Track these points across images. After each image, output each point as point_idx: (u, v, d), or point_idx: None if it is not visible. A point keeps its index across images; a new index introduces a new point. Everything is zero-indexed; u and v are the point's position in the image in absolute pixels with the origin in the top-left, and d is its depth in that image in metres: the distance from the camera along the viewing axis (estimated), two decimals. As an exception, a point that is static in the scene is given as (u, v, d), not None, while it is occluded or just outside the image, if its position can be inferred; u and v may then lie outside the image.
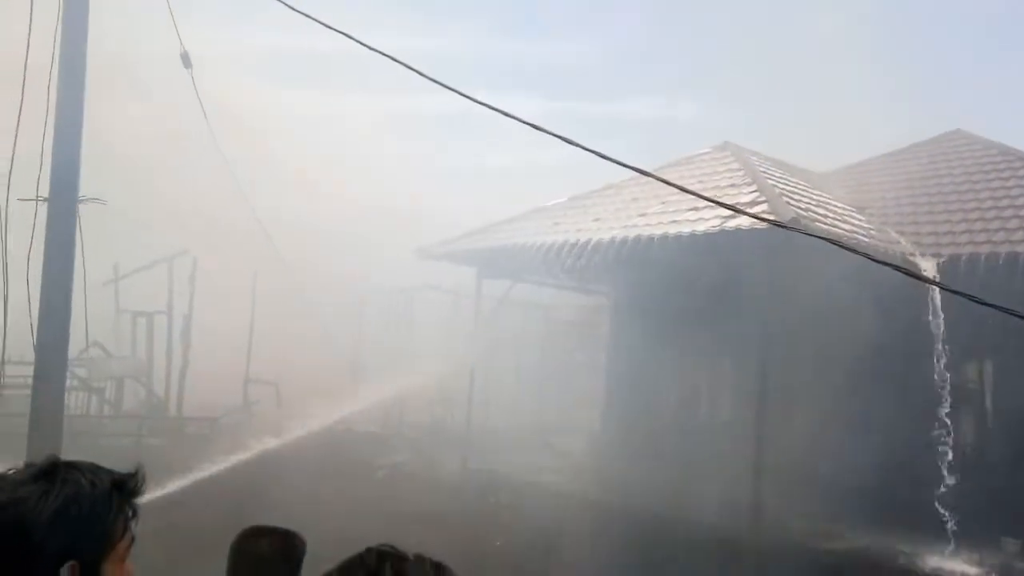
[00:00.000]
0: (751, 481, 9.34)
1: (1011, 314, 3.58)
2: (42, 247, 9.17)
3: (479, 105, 6.34)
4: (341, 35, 7.12)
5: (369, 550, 1.18)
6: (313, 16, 7.41)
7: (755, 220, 8.68)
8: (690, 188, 10.25)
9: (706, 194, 10.06)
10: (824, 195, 11.19)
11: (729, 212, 9.25)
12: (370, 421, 17.32)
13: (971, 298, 4.12)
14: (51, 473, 1.50)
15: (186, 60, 10.85)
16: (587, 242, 10.67)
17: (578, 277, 14.19)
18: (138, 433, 15.55)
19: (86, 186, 9.80)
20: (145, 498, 1.58)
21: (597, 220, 11.34)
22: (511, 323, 17.45)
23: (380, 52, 6.89)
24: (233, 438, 14.34)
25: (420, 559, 1.15)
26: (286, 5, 7.95)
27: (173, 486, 11.56)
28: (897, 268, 5.15)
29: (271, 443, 14.36)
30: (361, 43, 7.05)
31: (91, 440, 14.39)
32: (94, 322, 17.26)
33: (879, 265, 8.67)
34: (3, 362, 9.26)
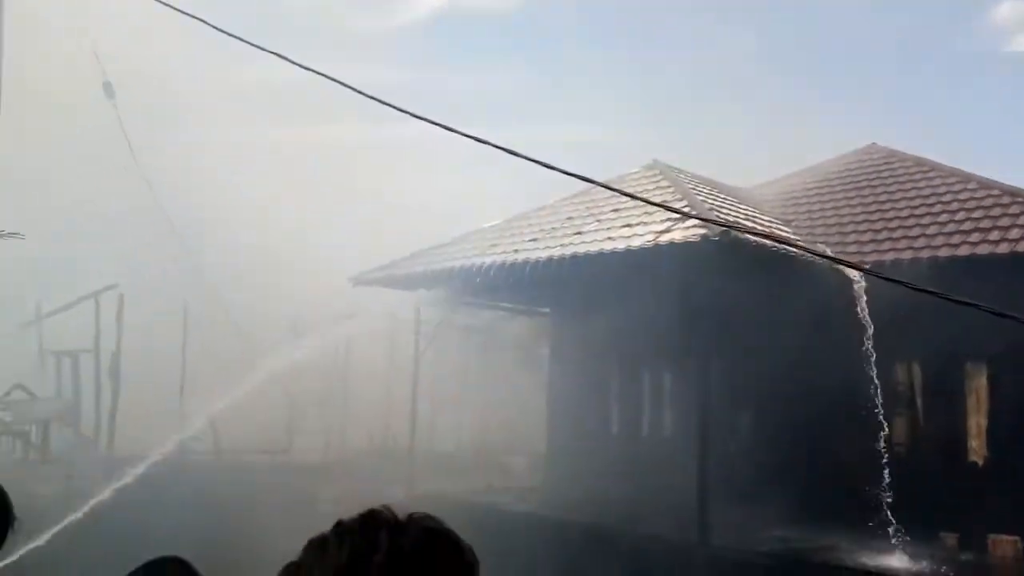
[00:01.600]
0: (696, 492, 9.45)
1: (970, 306, 3.70)
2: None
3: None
4: (280, 59, 7.03)
5: (376, 508, 1.09)
6: (247, 39, 7.31)
7: (687, 234, 8.89)
8: (623, 206, 10.45)
9: (637, 211, 10.28)
10: (752, 209, 11.51)
11: (663, 227, 9.44)
12: (311, 451, 16.98)
13: (934, 294, 4.24)
14: None
15: (109, 91, 10.62)
16: (524, 262, 10.72)
17: (517, 298, 14.26)
18: (68, 476, 14.90)
19: (4, 221, 9.45)
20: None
21: (534, 240, 11.41)
22: (451, 347, 17.38)
23: (321, 74, 6.82)
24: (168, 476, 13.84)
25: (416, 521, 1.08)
26: (217, 29, 7.83)
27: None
28: (833, 259, 5.30)
29: (206, 480, 13.94)
30: (301, 65, 6.97)
31: (18, 486, 13.76)
32: (17, 364, 16.64)
33: (809, 275, 8.96)
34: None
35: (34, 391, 17.70)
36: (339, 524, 1.08)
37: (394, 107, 6.64)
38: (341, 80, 6.77)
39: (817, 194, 12.96)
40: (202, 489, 13.55)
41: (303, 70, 6.74)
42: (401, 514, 1.08)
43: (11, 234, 10.42)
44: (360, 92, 6.75)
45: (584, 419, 13.88)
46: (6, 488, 2.30)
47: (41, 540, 9.73)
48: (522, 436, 17.68)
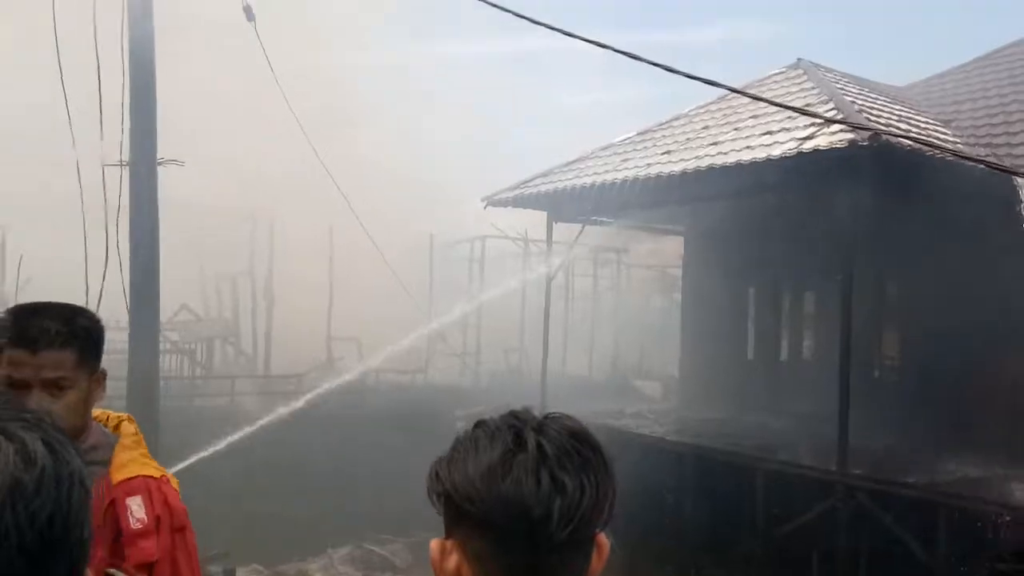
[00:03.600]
0: (837, 418, 9.01)
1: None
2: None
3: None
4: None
5: (520, 410, 1.16)
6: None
7: (833, 139, 8.32)
8: (763, 111, 9.89)
9: (779, 117, 9.69)
10: (907, 110, 10.58)
11: (806, 133, 8.86)
12: (447, 372, 17.57)
13: None
14: None
15: (248, 13, 10.97)
16: (657, 176, 10.39)
17: (650, 215, 13.91)
18: (230, 392, 16.11)
19: (164, 149, 10.07)
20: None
21: (667, 152, 11.02)
22: (584, 267, 17.32)
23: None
24: (317, 393, 14.74)
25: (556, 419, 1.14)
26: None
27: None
28: (993, 165, 4.80)
29: (350, 398, 14.70)
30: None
31: (186, 402, 15.05)
32: (181, 286, 18.06)
33: (969, 182, 8.19)
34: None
35: (198, 312, 19.18)
36: (483, 423, 1.14)
37: (519, 15, 6.51)
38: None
39: (982, 89, 11.67)
40: (351, 406, 14.36)
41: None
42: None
43: (171, 161, 11.02)
44: (488, 2, 6.65)
45: (719, 342, 13.53)
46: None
47: (214, 449, 10.58)
48: (655, 359, 17.52)
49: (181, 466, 9.10)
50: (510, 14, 6.49)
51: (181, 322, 18.64)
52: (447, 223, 17.32)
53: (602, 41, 6.20)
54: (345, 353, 18.63)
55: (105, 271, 8.88)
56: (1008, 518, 7.70)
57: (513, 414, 1.14)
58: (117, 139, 9.60)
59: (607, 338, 17.58)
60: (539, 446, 1.07)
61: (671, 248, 14.35)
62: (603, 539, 1.12)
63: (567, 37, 6.52)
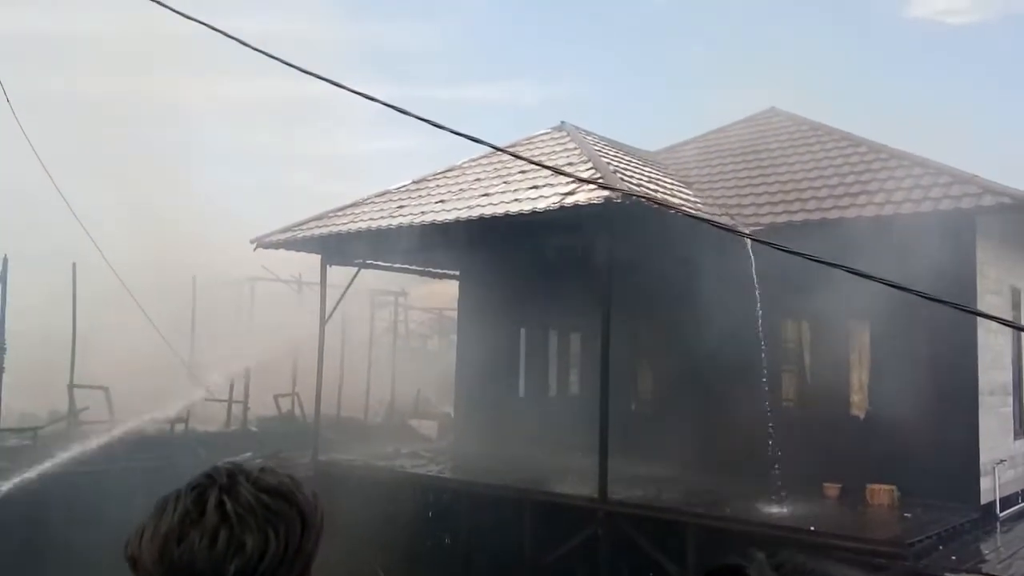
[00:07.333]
0: (597, 452, 9.66)
1: (821, 263, 3.89)
2: None
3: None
4: (181, 17, 6.68)
5: (216, 468, 1.11)
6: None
7: (591, 196, 9.01)
8: (530, 167, 10.47)
9: (544, 173, 10.33)
10: (656, 172, 11.72)
11: (568, 189, 9.52)
12: (212, 420, 16.52)
13: (799, 255, 4.48)
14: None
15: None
16: (432, 224, 10.64)
17: (426, 260, 14.16)
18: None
19: None
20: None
21: (441, 202, 11.33)
22: (361, 310, 17.15)
23: (223, 32, 6.50)
24: (59, 448, 13.27)
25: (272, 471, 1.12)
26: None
27: None
28: (713, 223, 5.46)
29: (99, 452, 13.39)
30: (200, 22, 6.64)
31: None
32: None
33: (708, 237, 9.21)
34: None
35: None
36: (188, 483, 1.09)
37: (294, 66, 6.43)
38: (236, 36, 6.51)
39: (718, 156, 13.31)
40: (97, 461, 13.05)
41: (191, 21, 6.44)
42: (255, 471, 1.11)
43: None
44: (257, 49, 6.51)
45: (492, 380, 14.00)
46: None
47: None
48: (432, 400, 17.69)
49: None
50: (278, 61, 6.42)
51: None
52: (214, 265, 16.40)
53: (376, 95, 6.29)
54: (91, 403, 16.90)
55: None
56: (745, 530, 8.64)
57: (208, 473, 1.10)
58: None
59: (385, 380, 17.48)
60: (220, 506, 1.04)
61: (448, 291, 14.62)
62: None
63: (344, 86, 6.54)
